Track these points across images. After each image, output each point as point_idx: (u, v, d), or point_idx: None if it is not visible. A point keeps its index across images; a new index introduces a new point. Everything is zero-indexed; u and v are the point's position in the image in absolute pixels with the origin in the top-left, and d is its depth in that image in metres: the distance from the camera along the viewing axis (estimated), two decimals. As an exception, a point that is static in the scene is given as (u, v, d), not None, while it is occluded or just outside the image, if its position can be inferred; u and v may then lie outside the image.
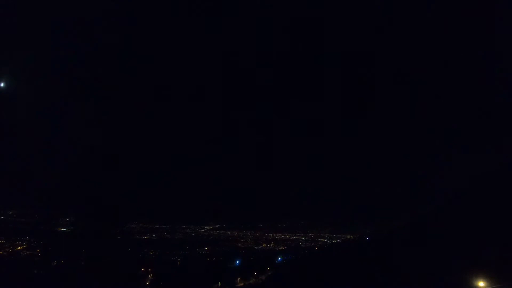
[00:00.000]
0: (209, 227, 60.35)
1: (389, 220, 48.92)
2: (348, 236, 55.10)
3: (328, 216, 53.91)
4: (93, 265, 36.09)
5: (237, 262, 53.02)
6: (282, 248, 57.32)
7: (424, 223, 34.41)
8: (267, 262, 52.73)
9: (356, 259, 37.63)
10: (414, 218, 39.86)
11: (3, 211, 46.43)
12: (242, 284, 47.94)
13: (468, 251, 22.56)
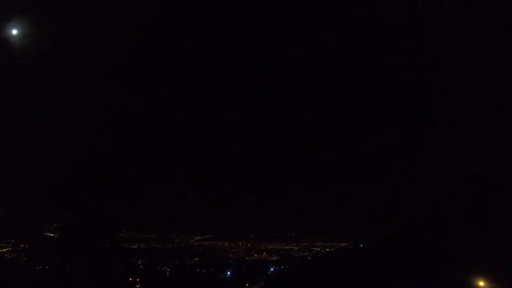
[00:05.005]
0: (200, 237, 59.59)
1: (383, 227, 49.39)
2: (342, 245, 55.14)
3: (321, 225, 54.15)
4: (79, 272, 34.76)
5: (228, 273, 52.08)
6: (274, 258, 56.67)
7: (419, 228, 34.82)
8: (259, 273, 51.96)
9: (350, 268, 37.52)
10: (408, 223, 40.32)
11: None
12: (233, 295, 46.89)
13: (468, 252, 22.88)
